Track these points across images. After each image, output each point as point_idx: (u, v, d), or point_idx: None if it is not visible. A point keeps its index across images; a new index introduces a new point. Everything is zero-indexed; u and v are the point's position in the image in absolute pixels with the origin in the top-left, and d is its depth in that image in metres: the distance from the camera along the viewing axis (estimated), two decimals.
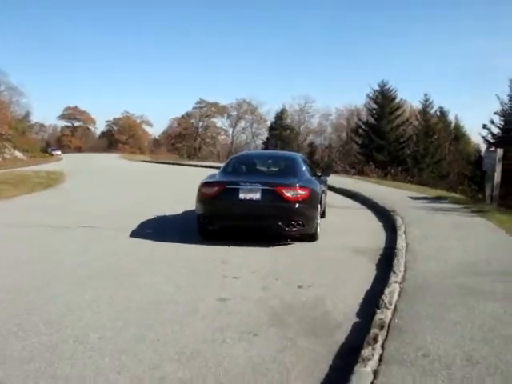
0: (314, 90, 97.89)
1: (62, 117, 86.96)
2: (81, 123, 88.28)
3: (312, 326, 3.72)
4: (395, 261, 5.34)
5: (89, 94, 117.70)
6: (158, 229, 7.70)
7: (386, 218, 9.08)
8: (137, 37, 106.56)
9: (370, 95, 42.78)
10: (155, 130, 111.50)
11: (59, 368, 2.95)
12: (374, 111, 42.20)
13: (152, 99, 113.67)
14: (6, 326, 3.55)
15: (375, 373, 2.74)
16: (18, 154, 39.87)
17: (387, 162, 34.49)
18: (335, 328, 3.70)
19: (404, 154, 39.61)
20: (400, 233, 7.10)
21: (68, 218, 8.82)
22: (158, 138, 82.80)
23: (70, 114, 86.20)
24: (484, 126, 31.19)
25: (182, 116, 75.38)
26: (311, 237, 7.02)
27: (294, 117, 66.63)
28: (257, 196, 6.65)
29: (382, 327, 3.38)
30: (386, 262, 5.59)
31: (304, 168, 7.90)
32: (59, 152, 61.16)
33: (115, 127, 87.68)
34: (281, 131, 57.66)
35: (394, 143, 40.08)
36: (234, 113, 73.80)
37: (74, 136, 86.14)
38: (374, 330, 3.30)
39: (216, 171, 8.17)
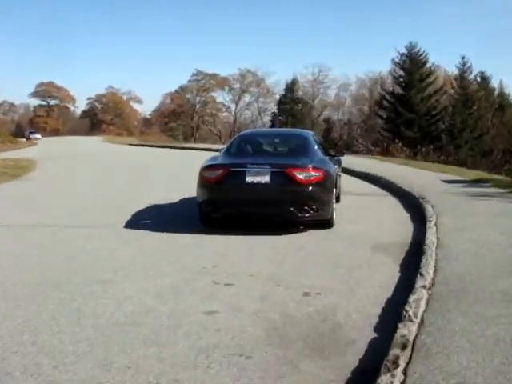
0: (329, 57, 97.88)
1: (35, 94, 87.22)
2: (57, 101, 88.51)
3: (318, 345, 3.57)
4: (423, 260, 5.22)
5: (67, 68, 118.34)
6: (139, 224, 7.68)
7: (414, 207, 9.05)
8: (121, 4, 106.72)
9: (396, 60, 42.25)
10: (145, 107, 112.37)
11: None
12: (401, 79, 41.73)
13: (141, 74, 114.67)
14: None
15: None
16: None
17: (417, 139, 34.20)
18: (347, 347, 3.53)
19: (437, 128, 39.20)
20: (430, 224, 7.00)
21: (35, 213, 8.76)
22: (148, 116, 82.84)
23: (45, 90, 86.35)
24: None
25: (176, 91, 75.35)
26: (326, 223, 7.36)
27: (307, 88, 66.53)
28: (265, 179, 6.95)
29: (404, 346, 3.19)
30: (411, 261, 5.48)
31: (316, 147, 8.21)
32: (39, 135, 61.38)
33: (98, 105, 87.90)
34: (292, 105, 57.55)
35: (426, 116, 39.64)
36: (237, 85, 73.66)
37: (50, 117, 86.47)
38: (394, 351, 3.12)
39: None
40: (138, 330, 3.79)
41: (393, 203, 9.89)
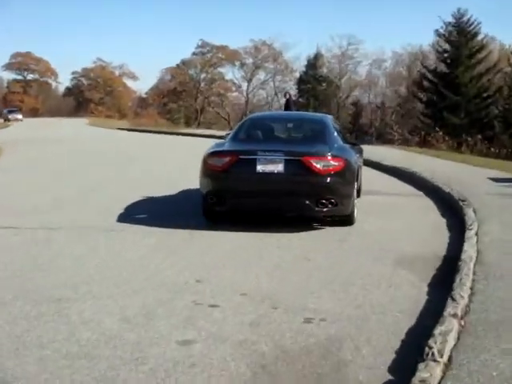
0: (361, 28, 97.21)
1: (10, 67, 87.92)
2: (36, 76, 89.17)
3: None
4: (457, 279, 5.04)
5: (47, 38, 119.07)
6: (114, 225, 7.67)
7: (452, 211, 8.97)
8: None
9: (441, 31, 41.53)
10: (141, 85, 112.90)
11: None
12: (446, 55, 41.11)
13: (136, 46, 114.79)
14: None
15: None
16: None
17: (463, 127, 33.80)
18: None
19: (489, 114, 38.66)
20: (470, 234, 6.85)
21: None
22: (144, 96, 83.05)
23: (21, 62, 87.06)
24: None
25: (178, 65, 75.16)
26: (346, 219, 7.80)
27: (333, 65, 66.26)
28: (279, 168, 7.36)
29: None
30: (442, 281, 5.35)
31: (336, 133, 8.66)
32: (20, 116, 62.01)
33: (85, 81, 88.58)
34: (314, 85, 57.44)
35: (475, 100, 39.09)
36: (250, 60, 73.48)
37: (28, 94, 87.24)
38: None
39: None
40: (92, 364, 3.64)
41: (426, 205, 9.82)
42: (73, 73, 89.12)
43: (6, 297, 4.87)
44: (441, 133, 25.61)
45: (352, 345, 3.98)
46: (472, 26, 40.83)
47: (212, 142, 9.96)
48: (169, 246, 6.74)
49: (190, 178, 9.90)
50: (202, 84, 74.57)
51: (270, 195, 7.47)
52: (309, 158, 7.33)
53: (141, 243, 6.83)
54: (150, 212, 8.78)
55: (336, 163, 7.43)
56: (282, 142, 8.45)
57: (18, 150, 21.05)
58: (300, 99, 56.19)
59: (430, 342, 3.72)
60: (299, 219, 7.90)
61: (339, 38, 67.45)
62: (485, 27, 49.42)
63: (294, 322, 4.38)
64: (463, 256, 5.83)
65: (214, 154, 7.75)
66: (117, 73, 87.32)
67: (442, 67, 41.50)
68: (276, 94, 70.67)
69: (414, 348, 3.83)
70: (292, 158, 7.37)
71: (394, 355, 3.83)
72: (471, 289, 4.83)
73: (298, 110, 43.32)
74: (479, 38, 41.23)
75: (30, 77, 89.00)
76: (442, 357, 3.51)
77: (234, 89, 76.55)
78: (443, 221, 8.43)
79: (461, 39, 40.15)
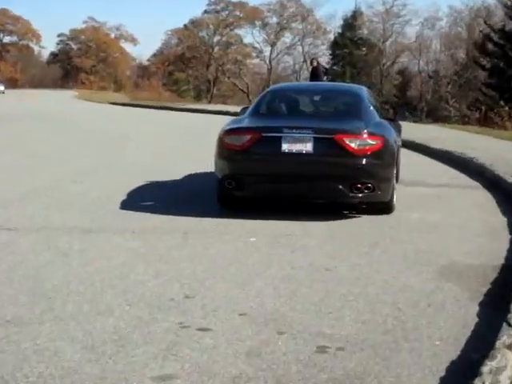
0: None
1: None
2: (15, 38, 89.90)
3: None
4: None
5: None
6: (87, 224, 7.71)
7: None
8: None
9: None
10: (142, 50, 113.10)
11: None
12: None
13: (135, 5, 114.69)
14: None
15: None
16: None
17: None
18: None
19: None
20: None
21: None
22: (146, 63, 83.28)
23: None
24: None
25: (186, 26, 75.20)
26: (385, 207, 8.26)
27: (375, 25, 66.19)
28: (307, 148, 7.73)
29: None
30: (497, 299, 5.23)
31: (372, 107, 9.08)
32: (1, 87, 62.65)
33: (74, 46, 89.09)
34: (352, 49, 57.26)
35: None
36: (274, 20, 73.37)
37: (6, 60, 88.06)
38: None
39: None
40: None
41: (484, 200, 9.81)
42: (59, 35, 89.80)
43: None
44: (507, 108, 25.25)
45: (376, 383, 3.82)
46: None
47: (223, 120, 10.18)
48: (157, 249, 6.68)
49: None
50: (216, 49, 74.80)
51: (297, 179, 7.87)
52: (342, 136, 7.67)
53: (122, 247, 6.77)
54: (137, 207, 8.79)
55: (373, 142, 7.79)
56: (311, 118, 8.87)
57: None
58: (334, 67, 56.12)
59: (477, 382, 3.54)
60: (329, 208, 8.37)
61: None
62: None
63: (303, 351, 4.26)
64: None
65: (232, 131, 8.14)
66: (112, 35, 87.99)
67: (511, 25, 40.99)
68: (305, 60, 70.30)
69: None
70: (323, 135, 7.76)
71: None
72: None
73: (330, 80, 43.15)
74: None
75: (6, 39, 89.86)
76: None
77: (254, 55, 76.85)
78: (503, 220, 8.34)
79: None
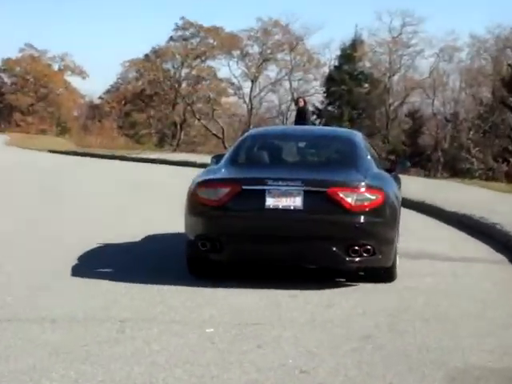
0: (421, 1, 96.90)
1: None
2: None
3: None
4: None
5: None
6: None
7: None
8: None
9: None
10: (93, 86, 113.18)
11: None
12: None
13: (84, 31, 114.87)
14: None
15: None
16: None
17: None
18: None
19: None
20: None
21: None
22: (97, 102, 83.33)
23: None
24: None
25: (147, 56, 75.56)
26: (386, 274, 8.59)
27: (380, 56, 66.51)
28: (296, 203, 8.06)
29: None
30: None
31: (369, 156, 9.48)
32: None
33: (7, 79, 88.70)
34: (351, 86, 57.62)
35: None
36: (255, 49, 73.62)
37: None
38: None
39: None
40: None
41: (509, 280, 9.86)
42: None
43: None
44: None
45: None
46: None
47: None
48: (82, 344, 6.34)
49: None
50: (184, 84, 74.92)
51: (283, 240, 8.12)
52: (337, 190, 7.98)
53: (35, 342, 6.43)
54: (60, 286, 8.65)
55: (373, 197, 8.12)
56: (299, 168, 9.23)
57: None
58: (329, 107, 56.25)
59: None
60: (318, 277, 8.74)
61: (389, 16, 67.22)
62: None
63: None
64: None
65: (206, 184, 8.45)
66: (56, 67, 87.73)
67: None
68: (294, 99, 70.35)
69: None
70: (314, 188, 8.09)
71: None
72: None
73: (324, 124, 43.34)
74: None
75: None
76: None
77: (231, 92, 76.68)
78: None
79: None
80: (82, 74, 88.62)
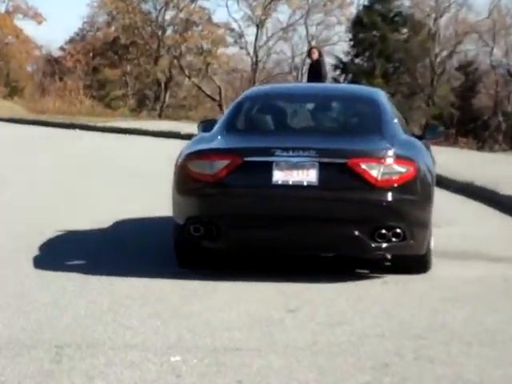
0: None
1: None
2: None
3: None
4: None
5: None
6: None
7: None
8: None
9: None
10: (51, 34, 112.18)
11: None
12: None
13: None
14: None
15: None
16: None
17: None
18: None
19: None
20: None
21: None
22: (57, 54, 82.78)
23: None
24: None
25: None
26: (419, 263, 8.77)
27: None
28: (310, 178, 8.18)
29: None
30: None
31: (396, 120, 9.68)
32: None
33: None
34: (384, 31, 57.19)
35: None
36: None
37: None
38: None
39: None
40: None
41: None
42: None
43: None
44: None
45: None
46: None
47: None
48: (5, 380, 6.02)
49: None
50: (169, 31, 73.66)
51: (294, 223, 8.25)
52: (359, 161, 8.09)
53: None
54: None
55: (403, 169, 8.27)
56: (312, 135, 9.42)
57: None
58: (357, 60, 55.97)
59: None
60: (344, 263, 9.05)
61: None
62: None
63: None
64: None
65: (198, 155, 8.53)
66: (2, 8, 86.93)
67: None
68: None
69: None
70: (331, 160, 8.21)
71: None
72: None
73: (351, 82, 43.01)
74: None
75: None
76: None
77: (230, 40, 75.47)
78: None
79: None
80: (36, 17, 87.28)
